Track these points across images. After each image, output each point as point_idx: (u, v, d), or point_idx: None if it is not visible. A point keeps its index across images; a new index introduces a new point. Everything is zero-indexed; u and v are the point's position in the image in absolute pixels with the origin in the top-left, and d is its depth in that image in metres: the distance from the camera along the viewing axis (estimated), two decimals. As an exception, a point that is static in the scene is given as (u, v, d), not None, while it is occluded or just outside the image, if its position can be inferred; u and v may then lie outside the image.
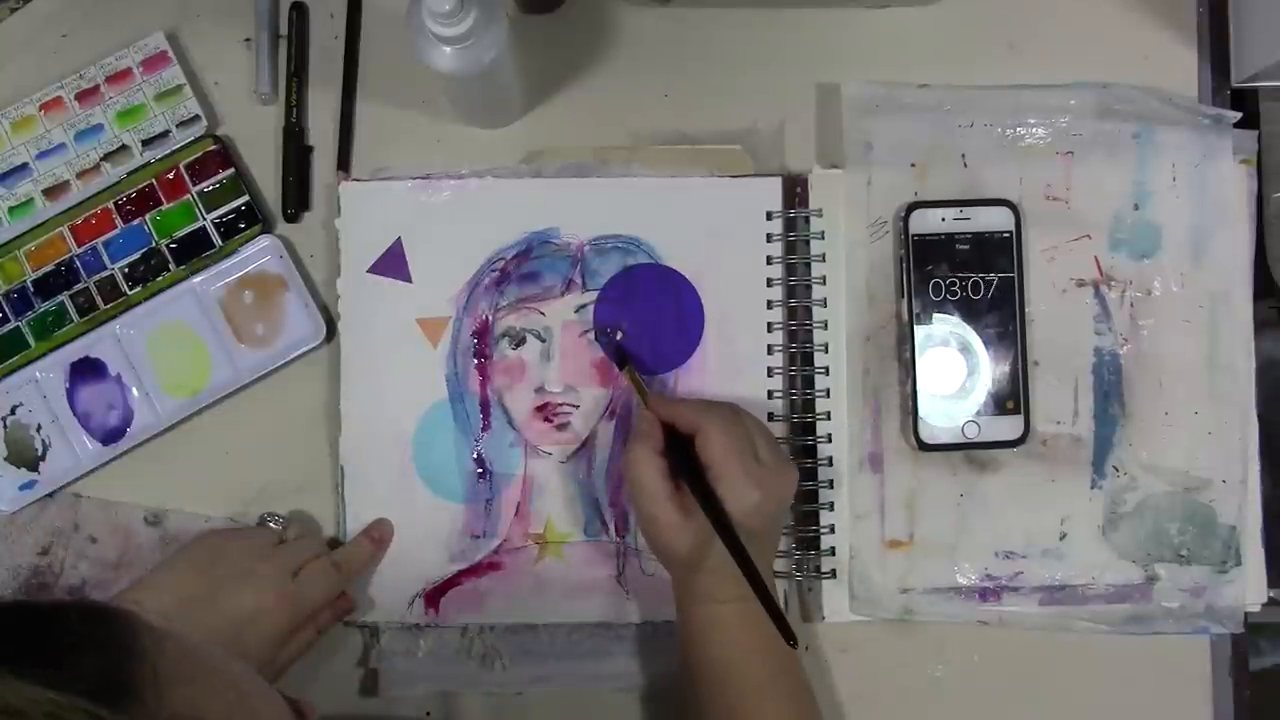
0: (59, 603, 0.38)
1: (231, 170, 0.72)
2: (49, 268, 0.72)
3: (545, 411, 0.70)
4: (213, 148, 0.72)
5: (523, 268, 0.71)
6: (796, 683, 0.64)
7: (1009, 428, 0.70)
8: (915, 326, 0.69)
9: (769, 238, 0.71)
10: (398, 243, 0.71)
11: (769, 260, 0.71)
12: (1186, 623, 0.70)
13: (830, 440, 0.70)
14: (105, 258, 0.72)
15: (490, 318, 0.71)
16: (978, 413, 0.69)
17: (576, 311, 0.71)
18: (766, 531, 0.62)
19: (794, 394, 0.71)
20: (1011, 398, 0.70)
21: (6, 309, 0.71)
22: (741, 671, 0.62)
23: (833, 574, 0.70)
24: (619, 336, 0.70)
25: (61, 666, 0.34)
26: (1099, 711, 0.71)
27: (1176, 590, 0.70)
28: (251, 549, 0.66)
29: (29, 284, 0.71)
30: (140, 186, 0.72)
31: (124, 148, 0.72)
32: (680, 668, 0.65)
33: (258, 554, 0.65)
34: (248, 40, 0.74)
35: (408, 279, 0.71)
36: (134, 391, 0.71)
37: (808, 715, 0.64)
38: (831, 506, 0.70)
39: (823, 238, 0.71)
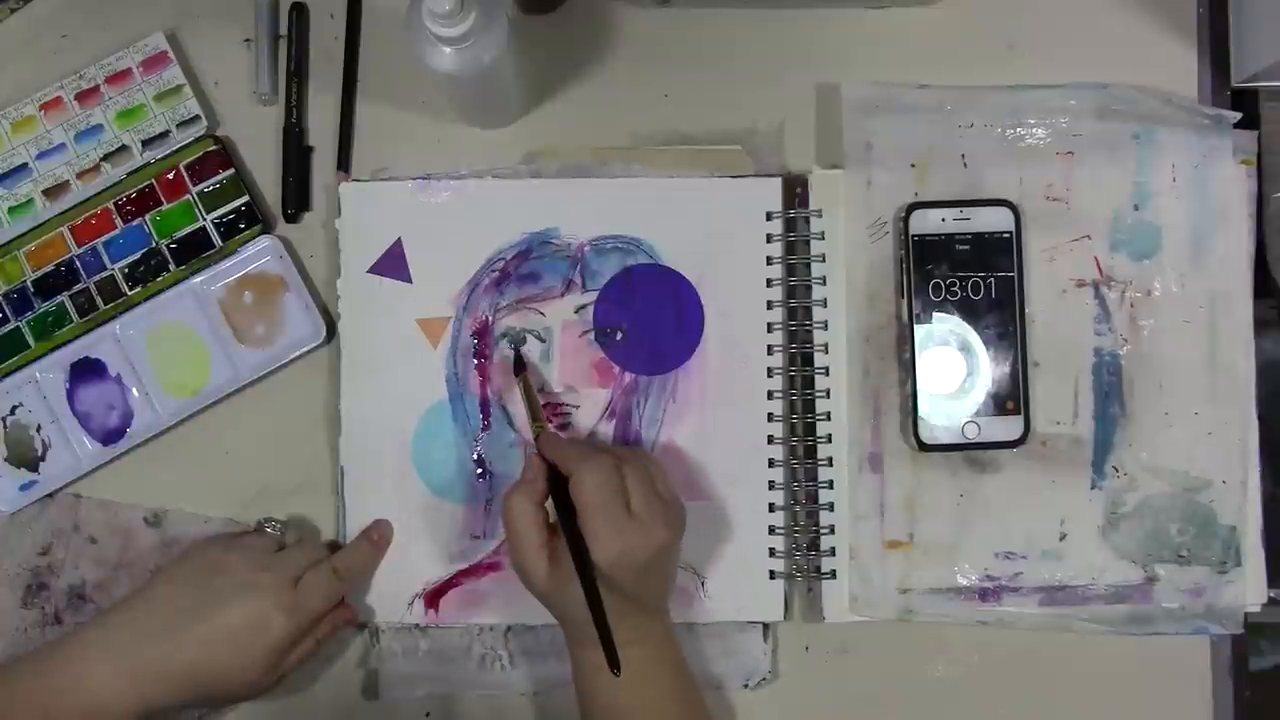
0: None
1: (231, 170, 0.72)
2: (49, 268, 0.72)
3: (545, 412, 0.70)
4: (213, 148, 0.72)
5: (523, 268, 0.71)
6: None
7: (1009, 428, 0.70)
8: (915, 326, 0.69)
9: (769, 238, 0.71)
10: (398, 243, 0.71)
11: (769, 260, 0.71)
12: (1186, 623, 0.70)
13: (830, 440, 0.70)
14: (105, 258, 0.72)
15: (490, 318, 0.71)
16: (977, 413, 0.69)
17: (576, 312, 0.71)
18: (640, 578, 0.61)
19: (794, 394, 0.71)
20: (1011, 398, 0.70)
21: (6, 309, 0.71)
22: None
23: (833, 574, 0.70)
24: (524, 346, 0.69)
25: None
26: (1099, 711, 0.71)
27: (1176, 591, 0.70)
28: (251, 559, 0.65)
29: (29, 284, 0.72)
30: (140, 187, 0.72)
31: (124, 148, 0.72)
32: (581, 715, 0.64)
33: (258, 564, 0.65)
34: (248, 40, 0.74)
35: (408, 279, 0.71)
36: (134, 391, 0.71)
37: None
38: (831, 507, 0.70)
39: (823, 238, 0.71)
